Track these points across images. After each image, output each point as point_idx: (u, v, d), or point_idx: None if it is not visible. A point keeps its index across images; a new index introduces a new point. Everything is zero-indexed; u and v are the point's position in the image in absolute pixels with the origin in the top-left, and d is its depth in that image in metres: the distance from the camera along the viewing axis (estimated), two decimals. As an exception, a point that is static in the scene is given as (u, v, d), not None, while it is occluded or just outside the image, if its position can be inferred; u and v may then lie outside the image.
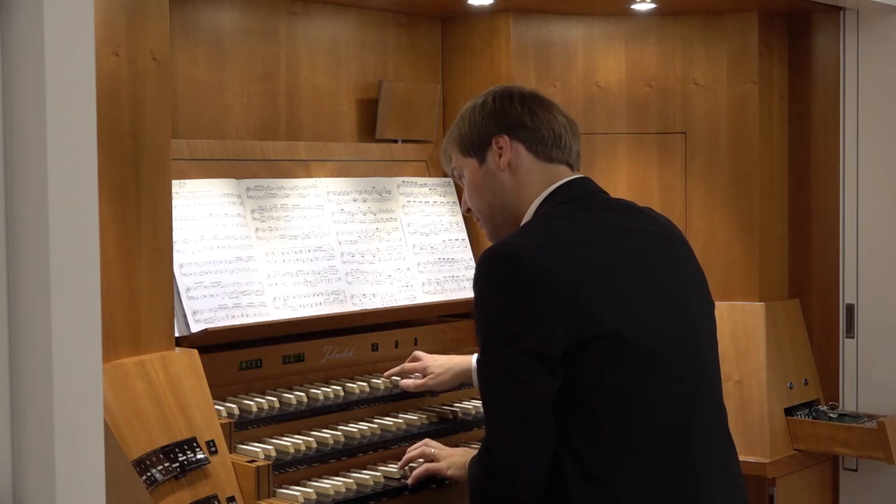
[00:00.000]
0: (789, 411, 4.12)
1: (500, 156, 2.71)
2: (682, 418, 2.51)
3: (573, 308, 2.42)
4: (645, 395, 2.47)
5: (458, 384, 3.39)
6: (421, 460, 3.00)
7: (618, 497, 2.43)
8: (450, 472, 2.92)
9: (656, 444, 2.47)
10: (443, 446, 3.01)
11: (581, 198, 2.67)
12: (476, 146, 2.75)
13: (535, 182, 2.70)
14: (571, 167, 2.74)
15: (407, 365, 3.42)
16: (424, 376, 3.37)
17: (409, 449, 3.04)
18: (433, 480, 2.99)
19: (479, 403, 3.38)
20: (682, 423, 2.51)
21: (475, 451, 2.80)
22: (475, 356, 3.28)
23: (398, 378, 3.40)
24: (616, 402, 2.46)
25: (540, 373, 2.44)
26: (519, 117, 2.72)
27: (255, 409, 3.05)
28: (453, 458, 2.93)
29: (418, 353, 3.45)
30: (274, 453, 2.93)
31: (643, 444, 2.46)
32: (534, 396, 2.46)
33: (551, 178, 2.69)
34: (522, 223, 2.68)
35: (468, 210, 2.86)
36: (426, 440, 3.06)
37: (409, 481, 2.97)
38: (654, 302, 2.54)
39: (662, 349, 2.50)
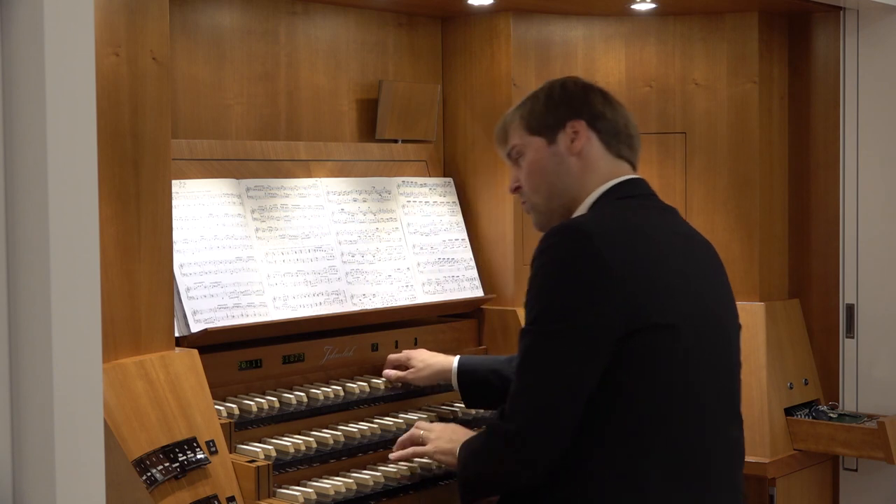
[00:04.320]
0: (789, 411, 4.12)
1: (572, 140, 2.68)
2: (711, 428, 2.53)
3: (635, 293, 2.42)
4: (686, 395, 2.48)
5: (436, 382, 3.40)
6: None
7: (644, 494, 2.44)
8: (437, 457, 2.92)
9: (688, 444, 2.48)
10: (432, 426, 2.99)
11: (638, 197, 2.68)
12: (548, 125, 2.71)
13: (600, 173, 2.68)
14: (634, 168, 2.76)
15: (391, 356, 3.45)
16: (407, 368, 3.41)
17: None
18: (439, 479, 3.01)
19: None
20: (710, 433, 2.53)
21: (464, 433, 2.81)
22: (457, 358, 3.31)
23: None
24: (659, 396, 2.45)
25: (586, 355, 2.41)
26: (600, 108, 2.72)
27: (255, 409, 3.05)
28: (440, 442, 2.91)
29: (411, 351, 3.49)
30: (274, 453, 2.93)
31: (677, 444, 2.46)
32: (572, 376, 2.42)
33: (613, 173, 2.69)
34: (575, 214, 2.67)
35: (516, 189, 2.80)
36: (418, 423, 3.06)
37: (392, 456, 2.99)
38: (703, 309, 2.56)
39: (707, 353, 2.53)
